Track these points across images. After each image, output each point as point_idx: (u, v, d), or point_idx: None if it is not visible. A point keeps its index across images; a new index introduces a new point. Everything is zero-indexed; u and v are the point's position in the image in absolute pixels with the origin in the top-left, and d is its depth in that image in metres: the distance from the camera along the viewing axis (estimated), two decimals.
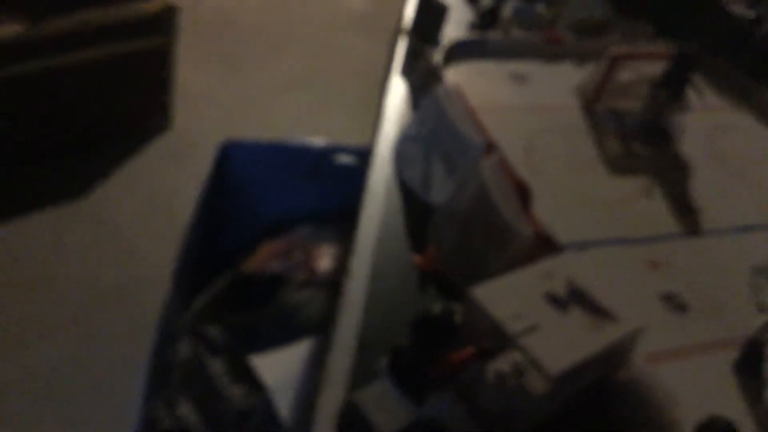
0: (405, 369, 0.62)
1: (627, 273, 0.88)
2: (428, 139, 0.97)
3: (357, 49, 2.87)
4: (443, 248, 0.86)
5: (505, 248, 0.79)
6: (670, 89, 1.09)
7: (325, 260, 1.46)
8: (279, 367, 1.24)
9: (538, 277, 0.70)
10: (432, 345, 0.60)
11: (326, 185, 1.60)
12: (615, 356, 0.70)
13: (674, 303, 0.87)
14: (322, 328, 1.34)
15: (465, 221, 0.84)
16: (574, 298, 0.69)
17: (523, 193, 0.81)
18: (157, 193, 2.23)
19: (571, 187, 0.99)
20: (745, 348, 0.81)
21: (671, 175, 1.06)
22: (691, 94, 1.13)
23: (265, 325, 1.37)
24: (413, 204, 0.94)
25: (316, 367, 1.23)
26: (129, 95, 2.30)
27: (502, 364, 0.60)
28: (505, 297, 0.67)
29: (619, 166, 1.05)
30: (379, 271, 0.83)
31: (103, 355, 1.76)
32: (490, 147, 0.87)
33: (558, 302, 0.68)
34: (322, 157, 1.58)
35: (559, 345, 0.64)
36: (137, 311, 1.83)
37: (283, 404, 1.20)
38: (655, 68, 1.13)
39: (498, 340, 0.63)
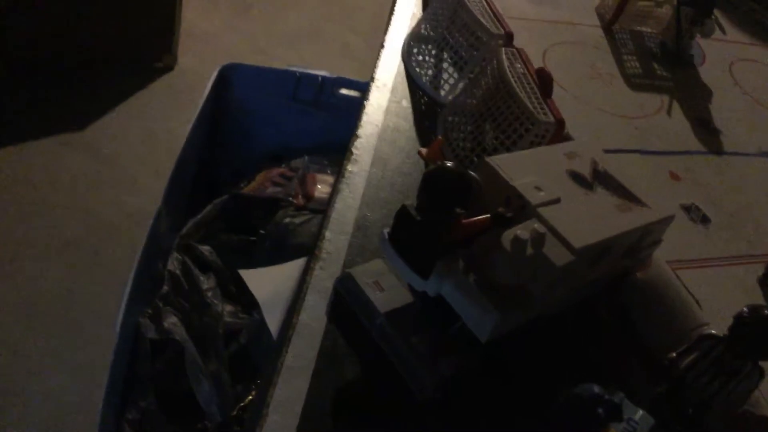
0: (410, 234, 0.51)
1: (647, 178, 0.78)
2: (440, 36, 0.86)
3: (369, 5, 2.76)
4: (452, 143, 0.76)
5: (522, 137, 0.69)
6: (696, 10, 0.98)
7: (322, 188, 1.36)
8: (269, 284, 1.14)
9: (560, 155, 0.60)
10: (443, 206, 0.50)
11: (327, 117, 1.50)
12: (640, 247, 0.60)
13: (696, 215, 0.77)
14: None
15: (478, 113, 0.74)
16: (600, 179, 0.59)
17: (545, 81, 0.71)
18: (157, 131, 2.12)
19: (588, 97, 0.89)
20: None
21: (691, 97, 0.96)
22: (713, 23, 1.04)
23: (259, 246, 1.27)
24: (423, 102, 0.84)
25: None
26: (133, 31, 2.18)
27: (522, 231, 0.50)
28: (525, 168, 0.56)
29: (637, 83, 0.95)
30: (381, 159, 0.73)
31: (94, 281, 1.66)
32: (511, 37, 0.77)
33: (582, 180, 0.58)
34: (325, 87, 1.47)
35: (583, 219, 0.54)
36: (130, 244, 1.73)
37: (273, 323, 1.10)
38: None
39: (516, 210, 0.53)
